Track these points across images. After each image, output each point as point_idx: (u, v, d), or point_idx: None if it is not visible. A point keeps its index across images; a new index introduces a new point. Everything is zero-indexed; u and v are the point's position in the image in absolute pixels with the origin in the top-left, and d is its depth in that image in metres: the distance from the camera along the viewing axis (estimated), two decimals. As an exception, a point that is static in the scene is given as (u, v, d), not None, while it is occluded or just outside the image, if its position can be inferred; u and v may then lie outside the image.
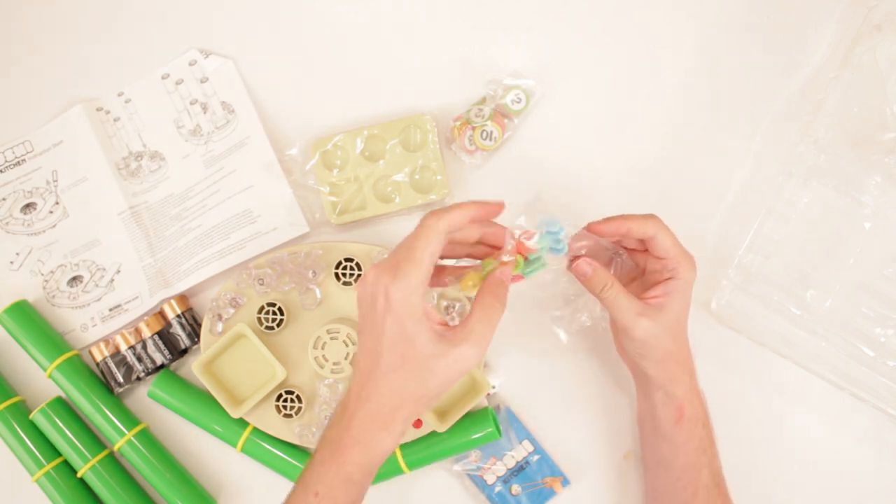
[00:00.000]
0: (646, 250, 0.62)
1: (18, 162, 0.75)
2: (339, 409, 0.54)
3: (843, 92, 0.69)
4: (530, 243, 0.58)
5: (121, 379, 0.71)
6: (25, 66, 0.77)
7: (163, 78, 0.76)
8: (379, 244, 0.71)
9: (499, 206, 0.56)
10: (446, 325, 0.53)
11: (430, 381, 0.51)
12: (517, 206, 0.60)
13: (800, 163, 0.70)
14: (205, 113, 0.75)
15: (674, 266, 0.60)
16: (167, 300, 0.72)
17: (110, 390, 0.72)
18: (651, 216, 0.61)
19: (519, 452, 0.70)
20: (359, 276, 0.69)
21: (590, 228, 0.61)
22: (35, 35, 0.77)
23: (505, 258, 0.56)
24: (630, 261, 0.65)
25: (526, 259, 0.58)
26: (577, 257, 0.61)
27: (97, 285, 0.74)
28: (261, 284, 0.70)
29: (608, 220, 0.61)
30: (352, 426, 0.52)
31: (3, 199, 0.75)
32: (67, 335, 0.73)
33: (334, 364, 0.68)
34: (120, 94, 0.76)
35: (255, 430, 0.70)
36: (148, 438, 0.71)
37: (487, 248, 0.59)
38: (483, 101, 0.73)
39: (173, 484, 0.69)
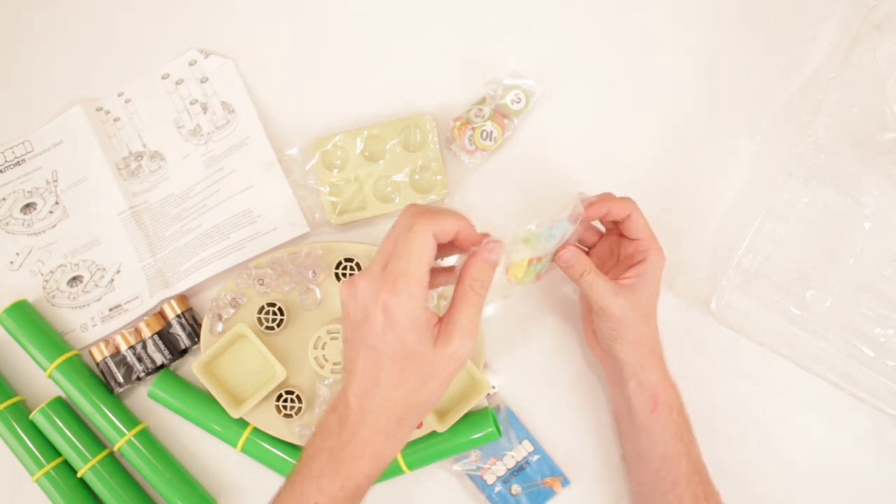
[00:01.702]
0: (620, 235, 0.65)
1: (18, 162, 0.75)
2: (335, 421, 0.53)
3: (843, 92, 0.69)
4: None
5: (121, 379, 0.71)
6: (25, 66, 0.77)
7: (163, 78, 0.76)
8: (379, 244, 0.71)
9: (480, 238, 0.55)
10: (439, 319, 0.52)
11: (432, 387, 0.52)
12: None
13: (800, 163, 0.70)
14: (205, 113, 0.75)
15: (645, 248, 0.63)
16: (167, 300, 0.72)
17: (110, 390, 0.72)
18: (626, 197, 0.64)
19: (519, 452, 0.70)
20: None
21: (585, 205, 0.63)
22: (35, 35, 0.77)
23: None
24: (605, 250, 0.67)
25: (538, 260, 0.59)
26: (562, 247, 0.62)
27: (97, 285, 0.74)
28: (261, 284, 0.70)
29: (592, 199, 0.63)
30: (356, 438, 0.52)
31: (3, 199, 0.75)
32: (67, 335, 0.73)
33: (334, 364, 0.68)
34: (120, 94, 0.76)
35: (255, 430, 0.70)
36: (148, 438, 0.71)
37: (456, 250, 0.57)
38: (483, 101, 0.73)
39: (173, 484, 0.69)
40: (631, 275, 0.63)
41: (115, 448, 0.70)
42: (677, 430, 0.63)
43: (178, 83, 0.76)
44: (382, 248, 0.51)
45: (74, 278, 0.74)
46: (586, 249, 0.69)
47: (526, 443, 0.71)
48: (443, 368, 0.51)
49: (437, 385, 0.52)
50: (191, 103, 0.76)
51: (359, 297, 0.51)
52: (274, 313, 0.69)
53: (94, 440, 0.71)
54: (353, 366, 0.52)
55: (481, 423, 0.68)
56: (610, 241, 0.67)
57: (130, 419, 0.71)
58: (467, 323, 0.51)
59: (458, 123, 0.72)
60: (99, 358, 0.72)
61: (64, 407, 0.71)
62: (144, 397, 0.72)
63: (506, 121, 0.73)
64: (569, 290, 0.73)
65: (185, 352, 0.72)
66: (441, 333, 0.51)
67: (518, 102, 0.72)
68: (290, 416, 0.69)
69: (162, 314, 0.72)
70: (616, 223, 0.65)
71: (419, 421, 0.53)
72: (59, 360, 0.70)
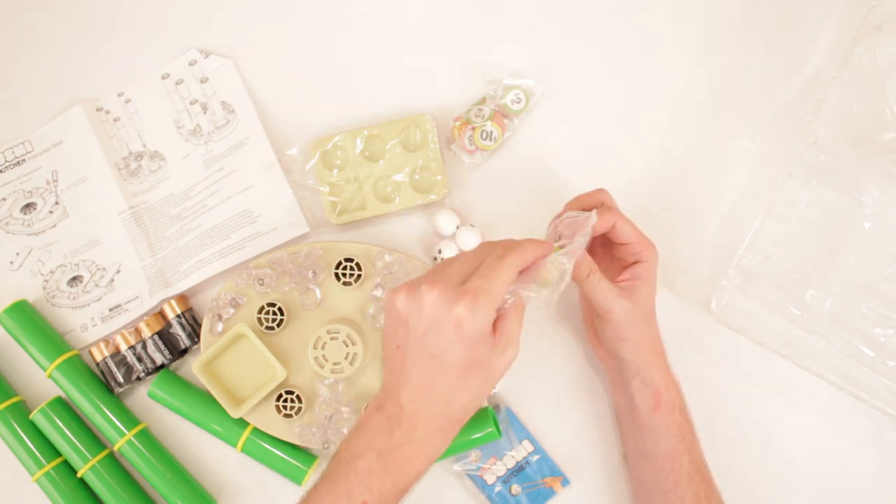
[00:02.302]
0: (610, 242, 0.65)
1: (18, 162, 0.75)
2: (383, 422, 0.54)
3: (843, 92, 0.69)
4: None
5: (121, 379, 0.71)
6: (25, 66, 0.77)
7: (163, 78, 0.76)
8: (379, 244, 0.71)
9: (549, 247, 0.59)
10: (494, 327, 0.55)
11: (487, 389, 0.55)
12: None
13: (800, 163, 0.70)
14: (205, 113, 0.75)
15: (637, 249, 0.63)
16: (167, 300, 0.72)
17: (110, 390, 0.72)
18: (605, 208, 0.64)
19: (519, 452, 0.70)
20: (359, 276, 0.69)
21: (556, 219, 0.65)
22: (35, 35, 0.77)
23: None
24: (598, 253, 0.68)
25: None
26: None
27: (97, 285, 0.74)
28: (261, 284, 0.70)
29: (565, 206, 0.66)
30: (412, 440, 0.54)
31: (3, 199, 0.75)
32: (67, 335, 0.73)
33: (334, 364, 0.68)
34: (120, 94, 0.76)
35: (255, 430, 0.70)
36: (148, 438, 0.71)
37: None
38: (483, 101, 0.73)
39: (173, 484, 0.69)
40: (627, 276, 0.63)
41: (115, 448, 0.70)
42: (679, 429, 0.63)
43: (178, 83, 0.76)
44: (454, 268, 0.54)
45: (74, 278, 0.74)
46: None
47: (526, 443, 0.71)
48: (499, 372, 0.55)
49: (490, 386, 0.56)
50: (191, 103, 0.76)
51: (425, 308, 0.53)
52: (274, 313, 0.69)
53: (94, 440, 0.71)
54: (408, 372, 0.54)
55: (481, 423, 0.68)
56: (600, 242, 0.67)
57: (130, 419, 0.71)
58: (518, 329, 0.55)
59: (458, 123, 0.72)
60: (99, 358, 0.72)
61: (64, 407, 0.71)
62: (144, 397, 0.72)
63: (506, 121, 0.73)
64: (568, 291, 0.73)
65: (185, 352, 0.72)
66: (497, 340, 0.54)
67: (518, 102, 0.72)
68: (290, 416, 0.69)
69: (162, 314, 0.72)
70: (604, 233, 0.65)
71: (467, 420, 0.56)
72: (59, 360, 0.70)
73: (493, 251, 0.55)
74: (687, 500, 0.62)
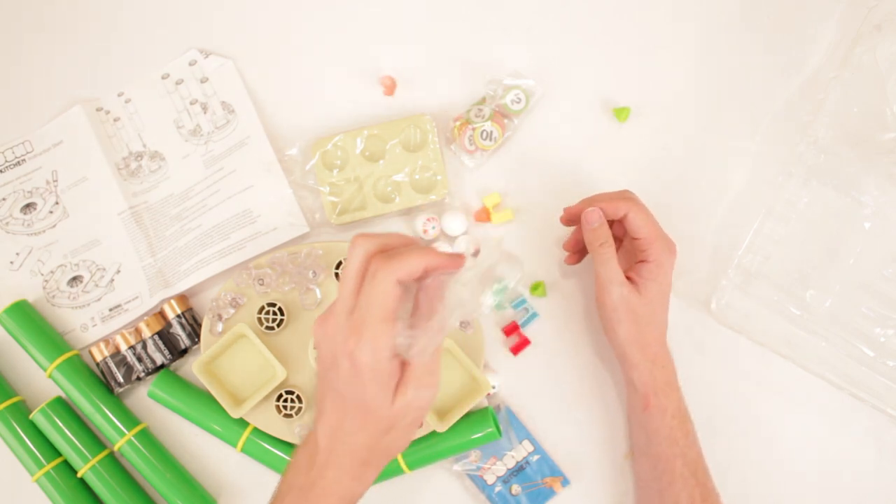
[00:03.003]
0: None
1: (18, 162, 0.75)
2: (305, 457, 0.53)
3: (843, 92, 0.69)
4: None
5: (121, 379, 0.71)
6: (25, 66, 0.77)
7: (163, 78, 0.76)
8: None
9: (460, 260, 0.50)
10: (405, 364, 0.50)
11: (393, 436, 0.51)
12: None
13: (800, 163, 0.70)
14: (205, 113, 0.75)
15: (645, 248, 0.62)
16: (167, 300, 0.72)
17: (110, 390, 0.72)
18: (624, 195, 0.63)
19: (519, 452, 0.70)
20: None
21: (566, 211, 0.66)
22: (35, 35, 0.77)
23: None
24: (622, 245, 0.68)
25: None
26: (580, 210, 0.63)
27: (97, 285, 0.74)
28: (261, 284, 0.70)
29: (582, 202, 0.64)
30: (324, 478, 0.52)
31: (3, 199, 0.75)
32: (67, 335, 0.73)
33: (334, 364, 0.68)
34: (120, 94, 0.76)
35: (255, 430, 0.70)
36: (148, 438, 0.71)
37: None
38: (483, 101, 0.73)
39: (173, 484, 0.69)
40: (633, 274, 0.63)
41: (115, 448, 0.70)
42: (670, 432, 0.63)
43: (178, 83, 0.76)
44: (344, 288, 0.49)
45: (74, 278, 0.74)
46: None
47: (526, 443, 0.71)
48: (401, 419, 0.50)
49: (398, 433, 0.51)
50: (191, 103, 0.76)
51: (327, 339, 0.50)
52: (274, 313, 0.69)
53: (94, 440, 0.71)
54: (323, 406, 0.52)
55: (481, 423, 0.68)
56: (625, 237, 0.67)
57: (130, 419, 0.71)
58: (422, 371, 0.49)
59: (458, 123, 0.72)
60: (99, 358, 0.72)
61: (64, 407, 0.71)
62: (144, 397, 0.72)
63: (506, 121, 0.73)
64: (569, 291, 0.73)
65: (185, 352, 0.72)
66: (400, 383, 0.49)
67: (518, 102, 0.72)
68: (290, 416, 0.69)
69: (162, 314, 0.72)
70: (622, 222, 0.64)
71: (384, 464, 0.53)
72: (59, 360, 0.70)
73: (361, 264, 0.49)
74: (681, 501, 0.62)
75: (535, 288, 0.72)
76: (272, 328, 0.69)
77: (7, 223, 0.75)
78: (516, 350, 0.72)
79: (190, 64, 0.76)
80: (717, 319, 0.70)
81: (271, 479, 0.71)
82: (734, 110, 0.74)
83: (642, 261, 0.63)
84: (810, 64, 0.74)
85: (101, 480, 0.69)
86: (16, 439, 0.70)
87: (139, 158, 0.75)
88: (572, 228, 0.70)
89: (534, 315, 0.72)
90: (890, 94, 0.68)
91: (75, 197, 0.75)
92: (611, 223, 0.65)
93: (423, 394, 0.49)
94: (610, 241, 0.62)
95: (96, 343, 0.72)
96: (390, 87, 0.73)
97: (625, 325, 0.63)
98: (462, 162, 0.74)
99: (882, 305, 0.69)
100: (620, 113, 0.73)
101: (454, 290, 0.49)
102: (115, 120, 0.76)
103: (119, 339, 0.72)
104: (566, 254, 0.70)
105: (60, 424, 0.70)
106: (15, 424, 0.70)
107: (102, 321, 0.73)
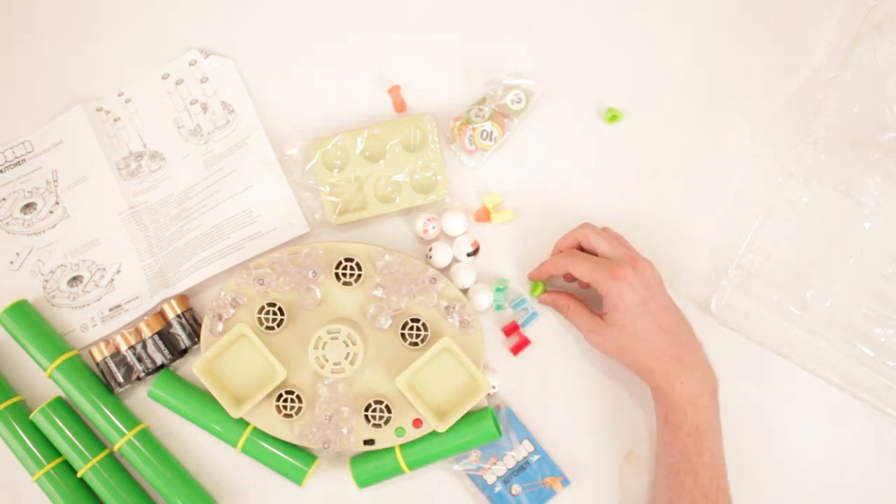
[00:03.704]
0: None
1: (18, 162, 0.75)
2: None
3: (843, 92, 0.69)
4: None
5: (121, 379, 0.71)
6: (25, 66, 0.77)
7: (163, 78, 0.76)
8: (379, 244, 0.71)
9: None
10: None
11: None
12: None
13: (800, 163, 0.70)
14: (205, 113, 0.75)
15: (595, 286, 0.65)
16: (167, 300, 0.72)
17: (110, 390, 0.72)
18: (565, 252, 0.68)
19: (519, 452, 0.70)
20: (359, 276, 0.68)
21: (530, 277, 0.71)
22: (35, 35, 0.77)
23: None
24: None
25: None
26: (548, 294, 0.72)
27: (97, 285, 0.74)
28: (261, 284, 0.70)
29: (535, 269, 0.71)
30: None
31: (3, 199, 0.75)
32: (67, 335, 0.73)
33: (334, 364, 0.68)
34: (120, 94, 0.76)
35: (255, 430, 0.70)
36: (148, 438, 0.71)
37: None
38: (483, 101, 0.73)
39: (173, 484, 0.69)
40: (601, 311, 0.67)
41: (115, 448, 0.70)
42: (684, 448, 0.63)
43: (178, 83, 0.76)
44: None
45: (74, 278, 0.74)
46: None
47: (526, 443, 0.71)
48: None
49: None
50: (191, 103, 0.76)
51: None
52: (274, 313, 0.69)
53: (94, 440, 0.71)
54: None
55: (481, 423, 0.68)
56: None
57: (130, 419, 0.71)
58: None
59: (458, 123, 0.72)
60: (99, 358, 0.72)
61: (64, 407, 0.71)
62: (144, 397, 0.72)
63: (506, 121, 0.73)
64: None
65: (185, 352, 0.72)
66: None
67: (518, 102, 0.72)
68: (290, 416, 0.69)
69: (162, 314, 0.72)
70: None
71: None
72: (59, 360, 0.70)
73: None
74: None
75: (535, 289, 0.72)
76: (272, 328, 0.69)
77: (7, 223, 0.75)
78: (516, 350, 0.72)
79: (190, 64, 0.76)
80: (717, 319, 0.70)
81: (271, 479, 0.71)
82: (734, 110, 0.74)
83: (603, 296, 0.65)
84: (810, 64, 0.74)
85: (101, 480, 0.69)
86: (16, 439, 0.70)
87: (139, 158, 0.75)
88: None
89: (534, 315, 0.72)
90: (890, 94, 0.68)
91: (75, 197, 0.75)
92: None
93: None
94: (567, 304, 0.69)
95: (96, 343, 0.72)
96: (398, 101, 0.74)
97: (620, 358, 0.66)
98: (462, 162, 0.74)
99: (882, 305, 0.69)
100: (610, 115, 0.73)
101: None
102: (116, 120, 0.76)
103: (119, 339, 0.72)
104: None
105: (60, 424, 0.70)
106: (15, 424, 0.70)
107: (102, 321, 0.73)
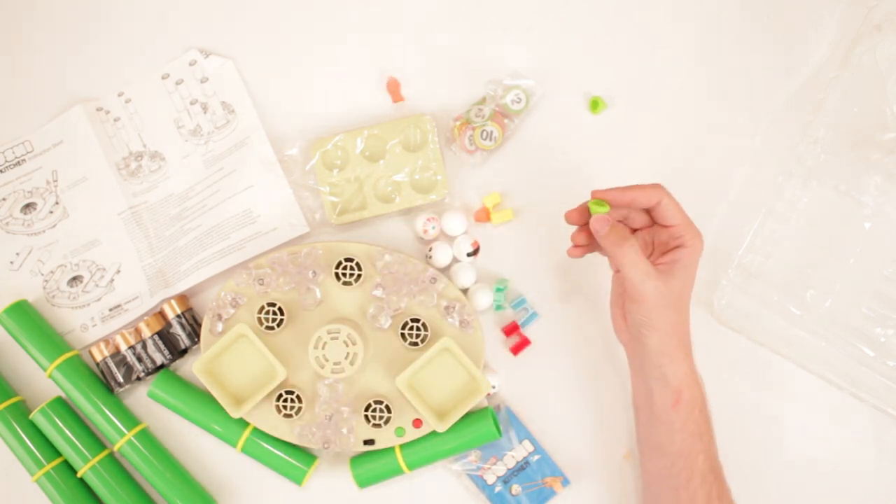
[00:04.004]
0: (652, 224, 0.64)
1: (18, 162, 0.75)
2: None
3: (843, 92, 0.69)
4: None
5: (121, 379, 0.71)
6: (25, 66, 0.77)
7: (163, 78, 0.76)
8: (379, 244, 0.71)
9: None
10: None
11: None
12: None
13: (800, 163, 0.70)
14: (205, 113, 0.75)
15: (680, 234, 0.62)
16: (167, 300, 0.72)
17: (110, 390, 0.72)
18: (655, 185, 0.62)
19: (519, 452, 0.70)
20: (359, 276, 0.68)
21: (594, 195, 0.63)
22: (35, 35, 0.77)
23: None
24: (643, 240, 0.65)
25: None
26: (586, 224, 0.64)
27: (97, 285, 0.74)
28: (261, 284, 0.70)
29: (613, 188, 0.62)
30: None
31: (3, 199, 0.75)
32: (67, 335, 0.73)
33: (334, 364, 0.68)
34: (120, 94, 0.76)
35: (255, 430, 0.70)
36: (148, 438, 0.71)
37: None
38: (483, 101, 0.73)
39: (173, 484, 0.69)
40: (666, 260, 0.62)
41: (115, 448, 0.70)
42: (697, 427, 0.62)
43: (178, 83, 0.76)
44: None
45: (74, 278, 0.74)
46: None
47: (526, 443, 0.71)
48: None
49: None
50: (191, 103, 0.76)
51: None
52: (274, 313, 0.69)
53: (94, 440, 0.71)
54: None
55: (481, 423, 0.68)
56: (646, 232, 0.65)
57: (130, 419, 0.71)
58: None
59: (458, 123, 0.72)
60: (99, 358, 0.72)
61: (64, 407, 0.71)
62: (144, 397, 0.72)
63: (506, 121, 0.73)
64: (569, 291, 0.73)
65: (185, 352, 0.72)
66: None
67: (518, 102, 0.72)
68: (290, 416, 0.69)
69: (162, 314, 0.72)
70: (649, 212, 0.64)
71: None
72: (59, 360, 0.70)
73: None
74: (698, 498, 0.61)
75: (600, 205, 0.63)
76: (272, 328, 0.69)
77: (7, 223, 0.75)
78: (516, 350, 0.72)
79: (190, 64, 0.76)
80: (717, 319, 0.70)
81: (271, 479, 0.71)
82: (734, 110, 0.74)
83: (677, 246, 0.62)
84: (810, 64, 0.74)
85: (101, 480, 0.69)
86: (16, 439, 0.70)
87: (139, 158, 0.75)
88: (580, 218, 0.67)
89: (534, 315, 0.72)
90: (890, 94, 0.68)
91: (75, 197, 0.75)
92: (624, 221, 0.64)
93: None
94: (631, 239, 0.60)
95: (96, 343, 0.72)
96: (395, 91, 0.73)
97: (665, 319, 0.61)
98: (462, 162, 0.74)
99: (882, 305, 0.69)
100: (593, 103, 0.72)
101: None
102: (116, 120, 0.76)
103: (119, 339, 0.72)
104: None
105: (60, 424, 0.70)
106: (15, 424, 0.70)
107: (102, 321, 0.73)
